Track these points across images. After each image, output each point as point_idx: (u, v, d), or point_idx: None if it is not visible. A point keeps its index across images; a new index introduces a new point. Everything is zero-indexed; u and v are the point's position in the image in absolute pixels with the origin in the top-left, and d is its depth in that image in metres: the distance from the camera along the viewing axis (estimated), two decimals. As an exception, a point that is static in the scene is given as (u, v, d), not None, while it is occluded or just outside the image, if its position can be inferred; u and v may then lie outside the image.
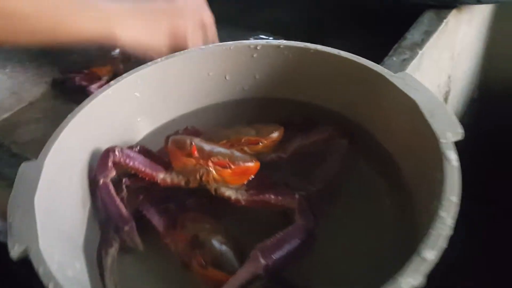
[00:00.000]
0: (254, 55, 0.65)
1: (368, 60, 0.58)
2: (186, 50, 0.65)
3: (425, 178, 0.48)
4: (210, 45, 0.65)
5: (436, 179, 0.44)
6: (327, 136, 0.61)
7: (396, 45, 0.80)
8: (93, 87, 0.82)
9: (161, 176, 0.58)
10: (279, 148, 0.62)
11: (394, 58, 0.77)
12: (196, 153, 0.55)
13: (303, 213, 0.51)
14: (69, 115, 0.55)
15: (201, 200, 0.59)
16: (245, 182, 0.56)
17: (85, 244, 0.54)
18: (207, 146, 0.56)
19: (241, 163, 0.55)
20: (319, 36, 1.00)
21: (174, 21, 0.70)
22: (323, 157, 0.60)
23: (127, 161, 0.57)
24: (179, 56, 0.64)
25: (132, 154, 0.58)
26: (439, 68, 0.90)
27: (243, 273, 0.47)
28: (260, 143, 0.61)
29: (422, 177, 0.50)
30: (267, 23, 1.03)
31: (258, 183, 0.56)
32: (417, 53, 0.78)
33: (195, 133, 0.65)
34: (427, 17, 0.86)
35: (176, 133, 0.66)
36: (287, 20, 1.06)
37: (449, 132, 0.47)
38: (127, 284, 0.52)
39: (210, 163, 0.55)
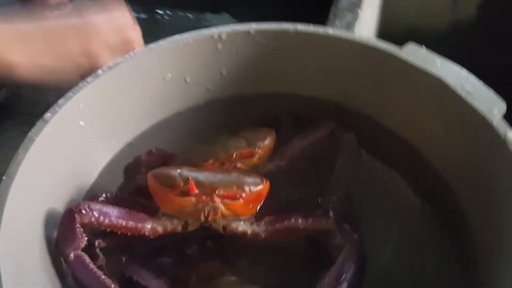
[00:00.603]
0: (219, 46, 0.52)
1: (364, 36, 0.49)
2: (132, 53, 0.49)
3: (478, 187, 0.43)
4: (161, 42, 0.51)
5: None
6: (329, 131, 0.52)
7: (332, 8, 0.73)
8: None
9: (148, 226, 0.44)
10: (274, 155, 0.52)
11: (338, 23, 0.70)
12: (195, 189, 0.42)
13: (346, 234, 0.42)
14: (4, 178, 0.38)
15: (205, 245, 0.47)
16: (256, 209, 0.45)
17: None
18: (203, 176, 0.44)
19: (253, 188, 0.44)
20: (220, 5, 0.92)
21: (85, 40, 0.55)
22: (330, 158, 0.51)
23: (100, 218, 0.42)
24: (124, 63, 0.49)
25: (103, 208, 0.43)
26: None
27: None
28: (255, 155, 0.50)
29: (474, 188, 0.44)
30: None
31: (272, 207, 0.46)
32: (358, 13, 0.71)
33: (164, 156, 0.52)
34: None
35: (138, 160, 0.52)
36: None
37: (495, 107, 0.41)
38: None
39: (216, 198, 0.43)
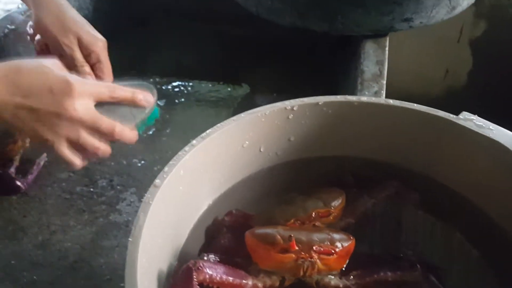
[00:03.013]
0: (290, 117, 0.58)
1: (421, 105, 0.57)
2: (219, 124, 0.55)
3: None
4: (242, 114, 0.56)
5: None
6: (394, 191, 0.58)
7: (358, 80, 0.82)
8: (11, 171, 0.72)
9: (250, 283, 0.48)
10: (345, 213, 0.57)
11: (366, 92, 0.79)
12: (295, 247, 0.46)
13: (433, 285, 0.47)
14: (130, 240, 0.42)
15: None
16: (346, 264, 0.50)
17: None
18: (300, 234, 0.49)
19: (344, 244, 0.49)
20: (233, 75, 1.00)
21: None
22: (395, 216, 0.56)
23: (213, 276, 0.46)
24: (213, 133, 0.54)
25: (213, 266, 0.47)
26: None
27: None
28: (331, 215, 0.55)
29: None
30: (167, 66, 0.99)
31: (357, 261, 0.50)
32: (383, 84, 0.80)
33: (244, 216, 0.56)
34: (370, 47, 0.89)
35: (219, 221, 0.56)
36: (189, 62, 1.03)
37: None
38: None
39: (314, 254, 0.47)
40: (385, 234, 0.56)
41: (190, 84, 1.00)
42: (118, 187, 0.75)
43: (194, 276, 0.44)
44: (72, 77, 0.54)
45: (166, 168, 0.49)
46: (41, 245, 0.66)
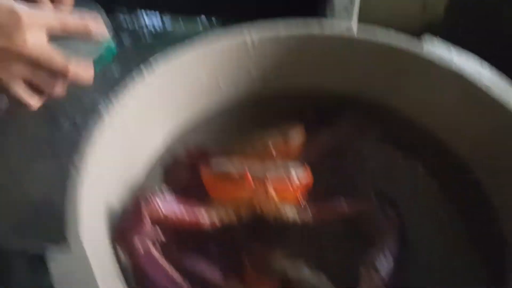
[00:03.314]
0: (250, 49, 0.56)
1: (384, 35, 0.55)
2: (171, 54, 0.52)
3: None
4: (198, 45, 0.54)
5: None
6: (356, 125, 0.57)
7: (328, 10, 0.79)
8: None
9: (207, 219, 0.48)
10: (304, 150, 0.57)
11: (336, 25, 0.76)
12: (250, 180, 0.46)
13: (387, 216, 0.48)
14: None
15: (254, 230, 0.50)
16: (304, 197, 0.50)
17: None
18: (255, 167, 0.48)
19: (300, 176, 0.48)
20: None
21: None
22: (356, 150, 0.56)
23: (167, 211, 0.45)
24: (165, 64, 0.52)
25: (167, 201, 0.46)
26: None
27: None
28: (291, 150, 0.54)
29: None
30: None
31: (314, 195, 0.51)
32: (354, 15, 0.77)
33: (203, 154, 0.55)
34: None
35: (178, 160, 0.55)
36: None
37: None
38: None
39: (270, 189, 0.47)
40: (346, 169, 0.55)
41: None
42: (82, 127, 0.74)
43: (144, 211, 0.44)
44: (20, 7, 0.50)
45: (114, 100, 0.47)
46: (3, 189, 0.65)
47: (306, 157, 0.56)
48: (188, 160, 0.55)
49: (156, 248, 0.45)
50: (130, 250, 0.44)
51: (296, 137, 0.55)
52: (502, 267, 0.48)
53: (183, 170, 0.54)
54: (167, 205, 0.45)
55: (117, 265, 0.43)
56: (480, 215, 0.51)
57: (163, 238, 0.46)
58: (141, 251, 0.43)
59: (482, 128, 0.52)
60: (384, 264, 0.44)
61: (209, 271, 0.47)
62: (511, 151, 0.49)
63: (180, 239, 0.49)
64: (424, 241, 0.50)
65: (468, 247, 0.50)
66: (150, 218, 0.44)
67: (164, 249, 0.47)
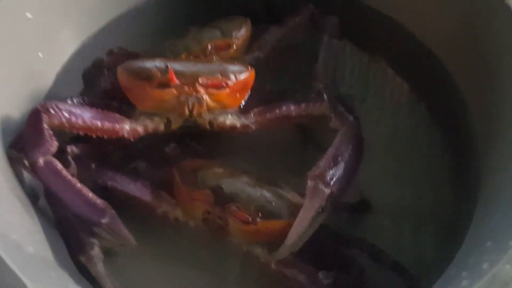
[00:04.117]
0: None
1: None
2: None
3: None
4: None
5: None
6: (309, 16, 0.48)
7: None
8: None
9: (126, 127, 0.40)
10: (252, 46, 0.48)
11: None
12: (176, 79, 0.38)
13: (341, 116, 0.41)
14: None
15: (184, 143, 0.43)
16: (244, 100, 0.42)
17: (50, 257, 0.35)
18: (182, 65, 0.40)
19: (238, 76, 0.41)
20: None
21: None
22: (312, 45, 0.48)
23: (72, 119, 0.38)
24: None
25: (74, 108, 0.38)
26: None
27: (307, 212, 0.37)
28: (232, 47, 0.46)
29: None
30: None
31: (258, 99, 0.43)
32: None
33: (128, 55, 0.46)
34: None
35: (98, 62, 0.46)
36: None
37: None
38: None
39: (200, 88, 0.39)
40: (297, 68, 0.48)
41: None
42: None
43: (44, 119, 0.36)
44: None
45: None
46: None
47: (251, 56, 0.48)
48: (110, 63, 0.46)
49: (66, 162, 0.38)
50: (30, 163, 0.36)
51: (239, 32, 0.47)
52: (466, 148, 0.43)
53: (103, 75, 0.45)
54: (74, 111, 0.37)
55: (15, 180, 0.36)
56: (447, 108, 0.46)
57: (75, 150, 0.39)
58: (41, 163, 0.36)
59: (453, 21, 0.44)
60: (335, 174, 0.37)
61: (133, 186, 0.40)
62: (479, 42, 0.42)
63: (102, 156, 0.42)
64: (384, 143, 0.45)
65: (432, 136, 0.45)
66: (51, 127, 0.36)
67: (82, 165, 0.40)
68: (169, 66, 0.38)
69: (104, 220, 0.37)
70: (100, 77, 0.46)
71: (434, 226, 0.41)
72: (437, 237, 0.40)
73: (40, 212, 0.37)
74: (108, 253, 0.37)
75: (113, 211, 0.37)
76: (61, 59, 0.45)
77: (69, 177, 0.37)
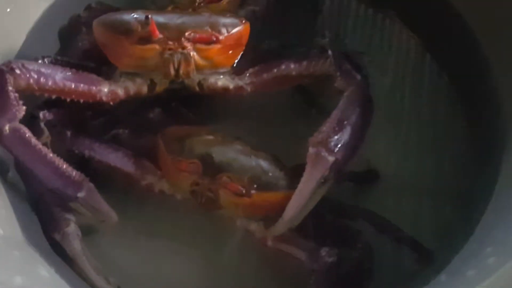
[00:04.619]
0: None
1: None
2: None
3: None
4: None
5: None
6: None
7: None
8: None
9: (105, 89, 0.36)
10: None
11: None
12: (158, 33, 0.34)
13: (347, 74, 0.36)
14: None
15: (170, 107, 0.39)
16: (237, 58, 0.38)
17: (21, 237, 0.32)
18: (165, 17, 0.36)
19: (231, 29, 0.36)
20: None
21: None
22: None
23: (41, 80, 0.34)
24: None
25: (43, 68, 0.34)
26: None
27: (308, 183, 0.33)
28: (224, -2, 0.41)
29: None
30: None
31: (254, 58, 0.39)
32: None
33: (108, 11, 0.41)
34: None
35: (75, 18, 0.41)
36: None
37: None
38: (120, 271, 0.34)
39: (186, 43, 0.34)
40: (296, 22, 0.43)
41: None
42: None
43: (9, 81, 0.32)
44: None
45: None
46: None
47: (246, 10, 0.43)
48: (88, 20, 0.41)
49: (38, 129, 0.34)
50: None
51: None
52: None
53: (81, 33, 0.41)
54: (44, 72, 0.33)
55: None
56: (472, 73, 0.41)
57: (48, 116, 0.35)
58: (6, 130, 0.32)
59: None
60: (340, 140, 0.33)
61: (113, 155, 0.36)
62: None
63: (79, 122, 0.38)
64: (394, 106, 0.40)
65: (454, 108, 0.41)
66: (18, 89, 0.32)
67: (56, 133, 0.36)
68: (151, 18, 0.33)
69: (80, 194, 0.33)
70: (77, 35, 0.41)
71: (451, 197, 0.37)
72: (454, 209, 0.36)
73: (10, 185, 0.34)
74: (86, 231, 0.34)
75: (91, 184, 0.33)
76: (33, 15, 0.41)
77: (40, 146, 0.33)
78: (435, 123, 0.41)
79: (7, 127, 0.32)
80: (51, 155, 0.33)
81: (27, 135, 0.33)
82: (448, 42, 0.42)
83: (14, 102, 0.32)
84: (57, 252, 0.33)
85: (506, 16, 0.38)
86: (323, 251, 0.32)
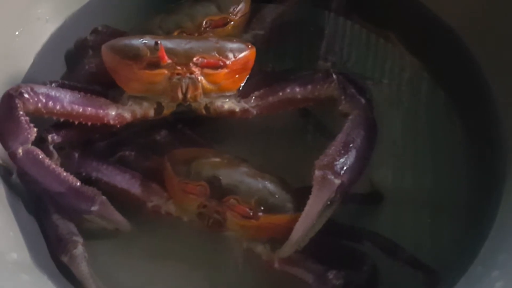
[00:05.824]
0: None
1: None
2: None
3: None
4: None
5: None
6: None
7: None
8: None
9: (112, 113, 0.37)
10: (251, 23, 0.45)
11: None
12: (167, 58, 0.34)
13: (352, 98, 0.37)
14: None
15: (176, 129, 0.40)
16: (243, 82, 0.39)
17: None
18: (174, 42, 0.37)
19: (237, 54, 0.37)
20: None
21: None
22: (317, 22, 0.44)
23: (50, 104, 0.34)
24: None
25: (52, 91, 0.35)
26: None
27: (315, 205, 0.33)
28: (229, 23, 0.42)
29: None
30: None
31: (259, 81, 0.40)
32: None
33: (114, 34, 0.43)
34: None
35: (82, 42, 0.43)
36: None
37: None
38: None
39: (194, 68, 0.35)
40: (300, 47, 0.44)
41: None
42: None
43: (18, 104, 0.33)
44: None
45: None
46: None
47: (250, 34, 0.45)
48: (94, 43, 0.42)
49: (47, 151, 0.35)
50: (9, 154, 0.33)
51: (237, 7, 0.43)
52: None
53: (87, 56, 0.42)
54: (52, 95, 0.34)
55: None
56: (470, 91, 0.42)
57: (56, 139, 0.36)
58: (20, 153, 0.33)
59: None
60: (346, 163, 0.34)
61: (120, 177, 0.37)
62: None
63: (87, 144, 0.39)
64: (398, 128, 0.41)
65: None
66: (28, 113, 0.33)
67: (64, 155, 0.37)
68: (160, 43, 0.34)
69: (94, 208, 0.35)
70: (84, 59, 0.43)
71: (455, 218, 0.38)
72: (458, 230, 0.37)
73: (17, 207, 0.34)
74: (93, 253, 0.34)
75: (104, 197, 0.35)
76: (41, 39, 0.42)
77: (53, 166, 0.34)
78: (438, 142, 0.42)
79: (20, 150, 0.33)
80: (64, 173, 0.34)
81: (40, 157, 0.34)
82: (450, 65, 0.44)
83: (26, 126, 0.33)
84: (64, 274, 0.33)
85: (504, 34, 0.39)
86: (330, 274, 0.33)
